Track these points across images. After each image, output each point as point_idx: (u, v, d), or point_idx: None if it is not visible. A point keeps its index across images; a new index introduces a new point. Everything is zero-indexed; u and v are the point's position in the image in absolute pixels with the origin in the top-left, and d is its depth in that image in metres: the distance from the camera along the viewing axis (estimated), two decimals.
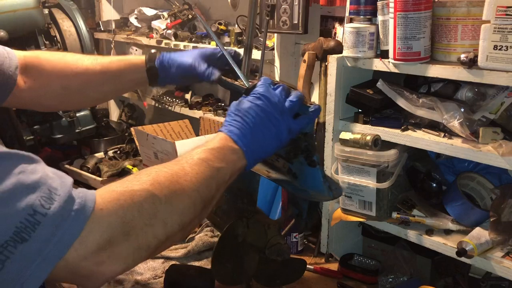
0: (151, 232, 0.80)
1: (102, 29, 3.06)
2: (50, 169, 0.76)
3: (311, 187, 1.14)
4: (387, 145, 1.39)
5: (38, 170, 0.74)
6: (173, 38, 2.50)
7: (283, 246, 1.33)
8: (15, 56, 1.22)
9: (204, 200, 0.90)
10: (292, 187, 1.18)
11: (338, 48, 1.58)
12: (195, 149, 0.95)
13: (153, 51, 1.32)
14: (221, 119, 2.27)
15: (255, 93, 1.02)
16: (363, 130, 1.44)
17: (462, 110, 1.27)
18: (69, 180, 0.76)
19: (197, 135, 2.37)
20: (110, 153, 2.63)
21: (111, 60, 1.31)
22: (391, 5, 1.29)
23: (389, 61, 1.36)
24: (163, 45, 2.54)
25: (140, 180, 0.83)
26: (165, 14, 2.61)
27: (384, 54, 1.38)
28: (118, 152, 2.64)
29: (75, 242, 0.72)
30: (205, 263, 1.59)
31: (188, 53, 1.30)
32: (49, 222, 0.70)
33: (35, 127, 2.47)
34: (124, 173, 2.32)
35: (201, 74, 1.25)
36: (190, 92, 2.63)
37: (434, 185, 1.48)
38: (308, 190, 1.14)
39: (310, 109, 1.07)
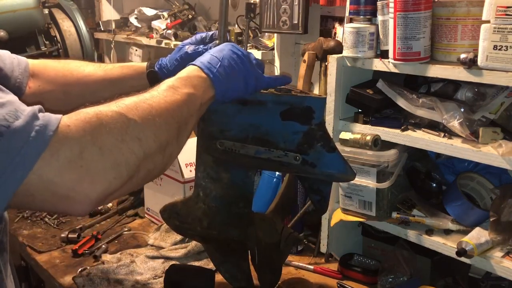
0: (126, 148, 0.80)
1: (102, 29, 3.06)
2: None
3: (335, 170, 1.18)
4: (387, 145, 1.39)
5: (9, 97, 0.76)
6: (173, 38, 2.50)
7: (295, 234, 1.41)
8: (24, 64, 1.24)
9: (177, 121, 0.90)
10: (312, 178, 1.22)
11: (338, 48, 1.58)
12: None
13: None
14: None
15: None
16: (363, 130, 1.44)
17: (462, 110, 1.27)
18: (37, 106, 0.77)
19: None
20: None
21: (113, 67, 1.33)
22: (391, 5, 1.28)
23: (389, 61, 1.36)
24: (163, 45, 2.53)
25: (106, 104, 0.84)
26: (165, 14, 2.61)
27: (384, 54, 1.38)
28: None
29: (45, 154, 0.72)
30: (205, 263, 1.59)
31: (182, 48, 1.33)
32: (11, 134, 0.71)
33: None
34: None
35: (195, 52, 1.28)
36: None
37: (434, 185, 1.48)
38: (334, 174, 1.19)
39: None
